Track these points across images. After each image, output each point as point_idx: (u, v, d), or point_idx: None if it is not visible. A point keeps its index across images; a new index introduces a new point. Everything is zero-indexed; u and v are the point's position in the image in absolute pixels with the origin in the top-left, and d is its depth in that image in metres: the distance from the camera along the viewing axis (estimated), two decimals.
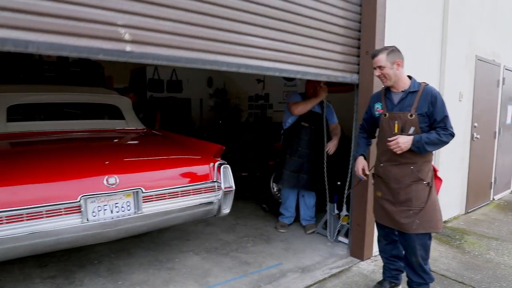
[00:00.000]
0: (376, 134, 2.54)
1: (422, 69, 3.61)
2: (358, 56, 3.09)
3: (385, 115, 2.32)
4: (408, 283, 2.45)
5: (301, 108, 3.61)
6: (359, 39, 3.08)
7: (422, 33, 3.58)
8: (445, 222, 4.29)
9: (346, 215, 3.51)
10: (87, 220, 2.23)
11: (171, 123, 5.54)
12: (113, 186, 2.33)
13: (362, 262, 3.14)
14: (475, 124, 4.66)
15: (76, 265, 2.91)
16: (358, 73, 3.10)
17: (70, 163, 2.45)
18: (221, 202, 2.79)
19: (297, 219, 3.99)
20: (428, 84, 2.28)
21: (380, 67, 2.25)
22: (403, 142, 2.17)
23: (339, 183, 3.91)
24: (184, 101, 7.64)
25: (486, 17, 4.74)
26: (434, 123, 2.21)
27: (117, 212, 2.36)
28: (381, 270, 2.68)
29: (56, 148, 2.86)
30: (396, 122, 2.25)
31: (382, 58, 2.23)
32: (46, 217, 2.11)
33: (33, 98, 3.34)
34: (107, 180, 2.32)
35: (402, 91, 2.29)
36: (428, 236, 2.32)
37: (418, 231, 2.24)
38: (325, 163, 3.66)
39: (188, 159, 2.87)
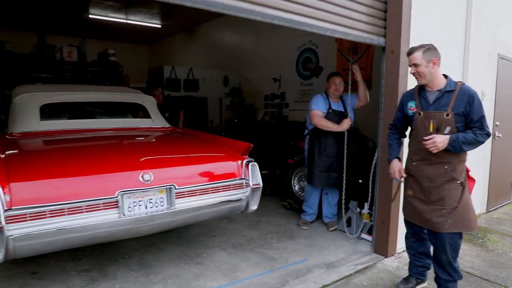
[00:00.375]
0: (406, 133, 2.55)
1: (445, 66, 3.59)
2: (385, 19, 3.09)
3: (419, 114, 2.29)
4: (436, 280, 2.46)
5: (322, 126, 3.65)
6: (385, 2, 3.08)
7: (446, 30, 3.56)
8: None
9: (368, 213, 3.54)
10: (123, 215, 2.30)
11: (188, 122, 5.61)
12: (148, 182, 2.39)
13: (386, 259, 3.16)
14: (497, 123, 4.63)
15: (108, 259, 3.00)
16: (384, 36, 3.10)
17: (106, 160, 2.53)
18: (249, 199, 2.85)
19: (318, 216, 4.03)
20: (464, 84, 2.26)
21: (415, 65, 2.24)
22: (440, 141, 2.14)
23: (360, 181, 3.95)
24: (201, 100, 7.73)
25: (509, 15, 4.70)
26: (470, 123, 2.19)
27: (151, 207, 2.42)
28: (406, 267, 2.71)
29: (90, 146, 2.95)
30: (431, 121, 2.23)
31: (417, 56, 2.21)
32: (86, 211, 2.18)
33: (64, 97, 3.44)
34: (142, 177, 2.38)
35: (438, 90, 2.26)
36: (459, 235, 2.31)
37: (450, 230, 2.23)
38: (345, 162, 3.70)
39: (217, 156, 2.93)
